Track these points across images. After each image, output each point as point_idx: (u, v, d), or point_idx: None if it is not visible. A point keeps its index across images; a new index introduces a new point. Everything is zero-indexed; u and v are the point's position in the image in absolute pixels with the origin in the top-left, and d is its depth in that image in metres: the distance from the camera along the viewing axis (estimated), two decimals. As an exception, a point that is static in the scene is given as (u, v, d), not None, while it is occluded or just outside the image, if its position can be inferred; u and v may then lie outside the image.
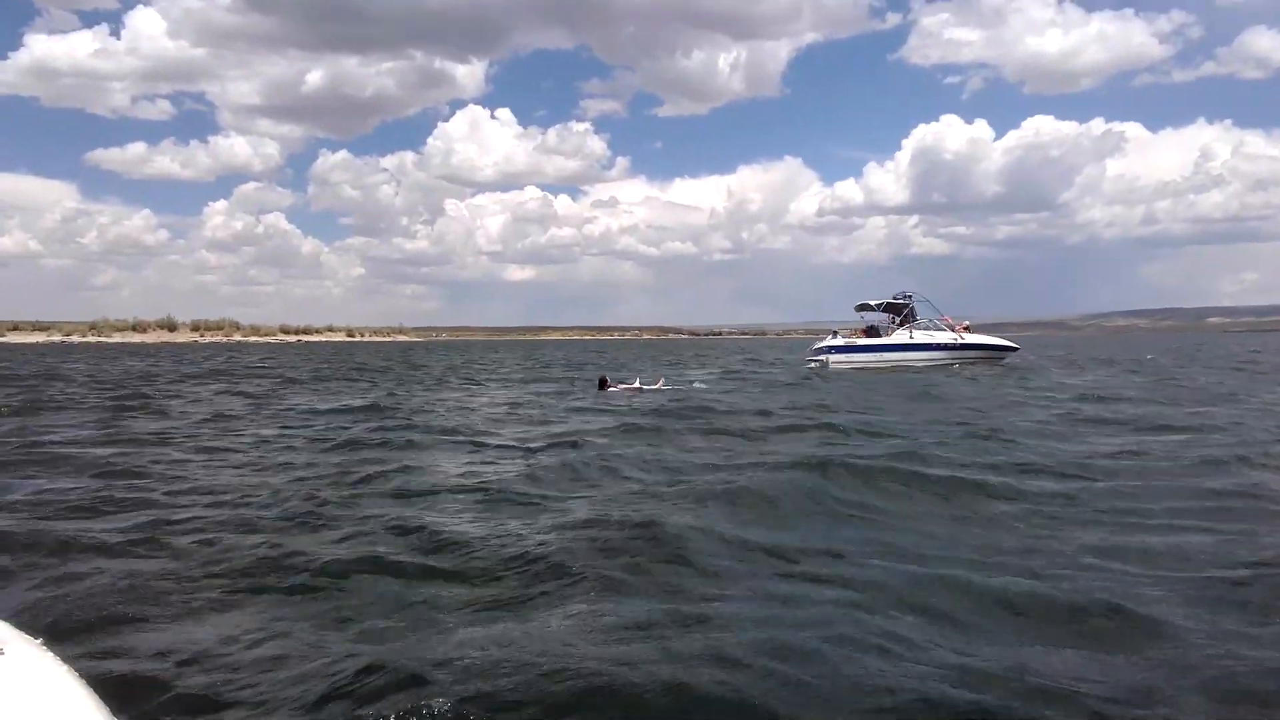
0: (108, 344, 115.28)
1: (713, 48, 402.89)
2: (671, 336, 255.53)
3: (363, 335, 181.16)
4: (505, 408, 19.79)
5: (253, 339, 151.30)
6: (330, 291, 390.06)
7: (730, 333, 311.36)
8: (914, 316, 38.68)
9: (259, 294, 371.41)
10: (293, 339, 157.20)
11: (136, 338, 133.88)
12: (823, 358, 37.51)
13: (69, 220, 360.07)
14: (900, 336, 37.74)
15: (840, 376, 31.67)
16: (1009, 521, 7.32)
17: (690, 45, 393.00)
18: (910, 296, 39.27)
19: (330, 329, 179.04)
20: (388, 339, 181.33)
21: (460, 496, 8.69)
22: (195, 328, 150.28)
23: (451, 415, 17.56)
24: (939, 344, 37.11)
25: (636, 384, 25.63)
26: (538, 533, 6.96)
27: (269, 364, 48.63)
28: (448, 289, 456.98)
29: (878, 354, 37.24)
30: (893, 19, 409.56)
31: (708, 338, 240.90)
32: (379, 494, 8.88)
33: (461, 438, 13.47)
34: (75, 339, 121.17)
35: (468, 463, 11.12)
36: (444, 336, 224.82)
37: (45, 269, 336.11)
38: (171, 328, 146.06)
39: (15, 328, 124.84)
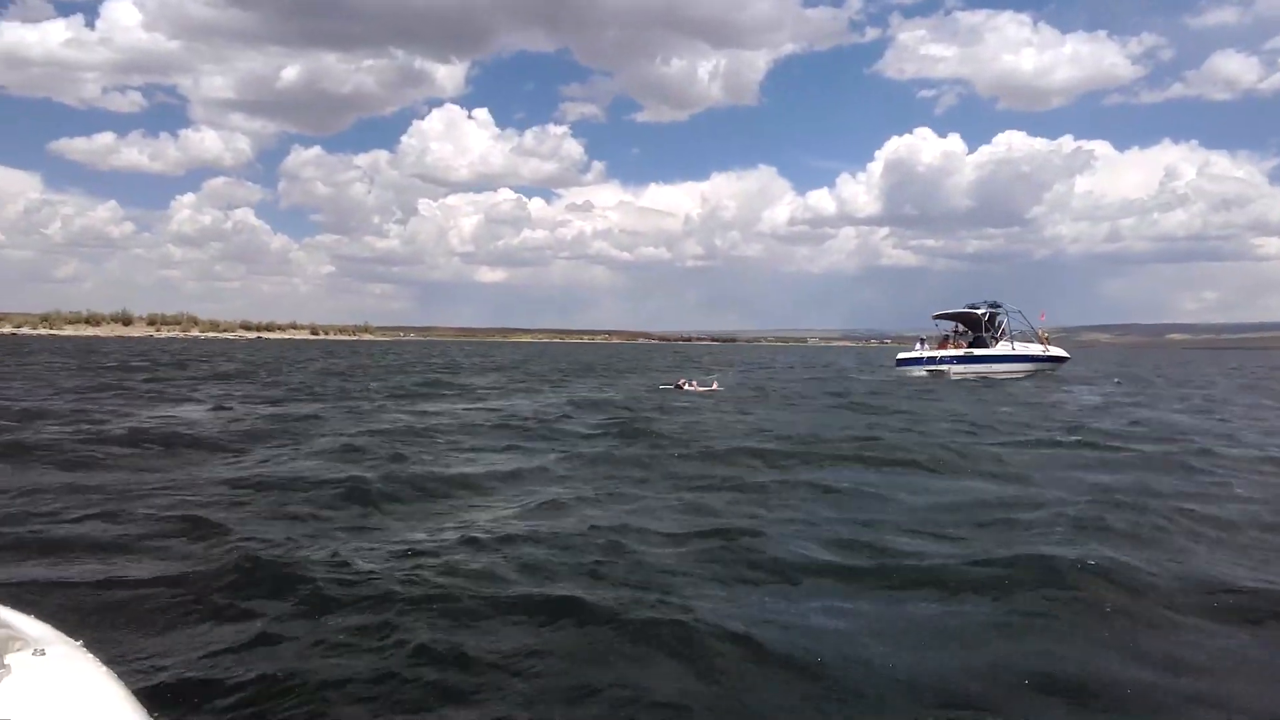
0: (59, 336, 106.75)
1: (693, 55, 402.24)
2: (641, 341, 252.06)
3: (327, 333, 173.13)
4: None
5: (210, 334, 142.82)
6: (297, 289, 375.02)
7: (700, 339, 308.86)
8: (1007, 326, 41.13)
9: (224, 289, 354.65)
10: (252, 335, 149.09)
11: (89, 330, 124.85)
12: (943, 368, 39.37)
13: (32, 211, 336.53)
14: (1004, 348, 39.92)
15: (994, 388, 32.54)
16: None
17: (671, 52, 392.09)
18: (1000, 306, 41.29)
19: (294, 326, 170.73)
20: (353, 337, 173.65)
21: None
22: (151, 321, 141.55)
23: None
24: (1032, 356, 39.81)
25: (714, 384, 27.23)
26: None
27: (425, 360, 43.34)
28: (417, 289, 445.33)
29: (989, 364, 39.25)
30: (871, 33, 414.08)
31: (679, 343, 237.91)
32: None
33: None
34: (26, 330, 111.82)
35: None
36: (411, 336, 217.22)
37: (5, 260, 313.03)
38: (127, 321, 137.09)
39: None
